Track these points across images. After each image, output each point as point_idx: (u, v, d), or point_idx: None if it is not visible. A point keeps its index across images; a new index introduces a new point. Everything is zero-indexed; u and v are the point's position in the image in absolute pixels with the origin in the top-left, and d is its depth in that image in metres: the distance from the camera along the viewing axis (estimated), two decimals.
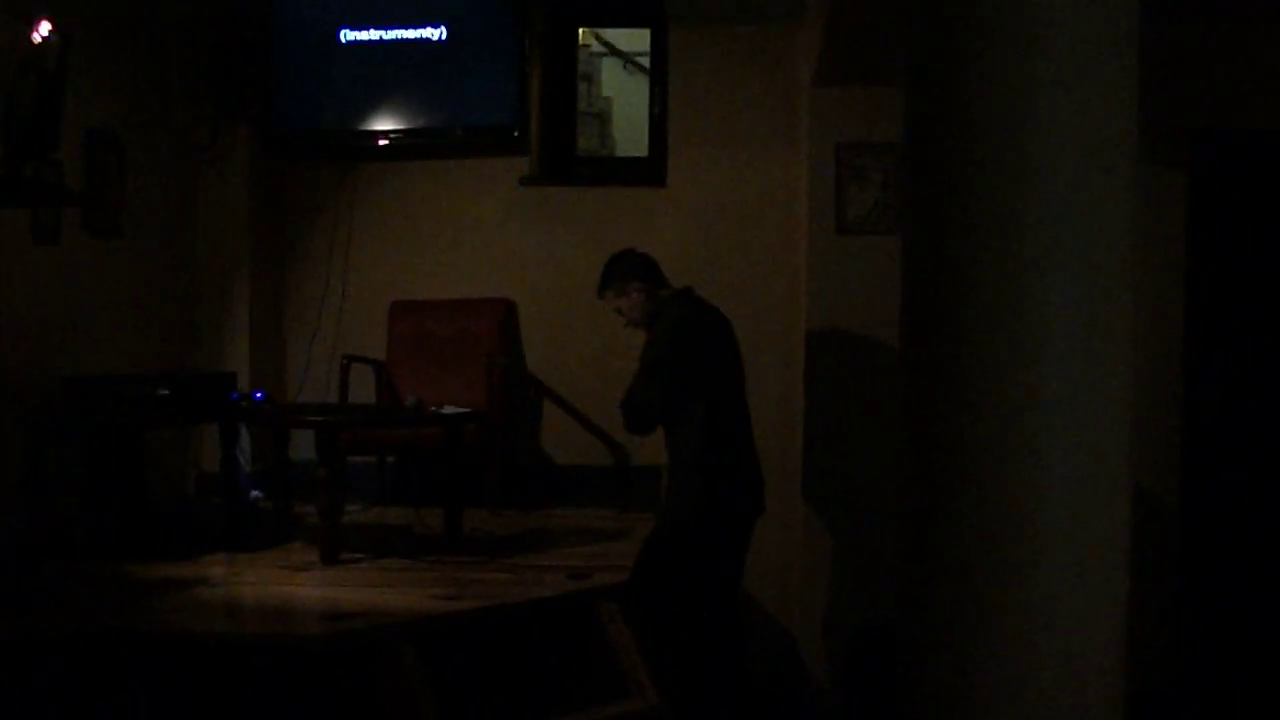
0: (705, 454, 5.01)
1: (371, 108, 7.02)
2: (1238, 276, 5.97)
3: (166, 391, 5.45)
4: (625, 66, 8.71)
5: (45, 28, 4.41)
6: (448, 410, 5.59)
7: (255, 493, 6.21)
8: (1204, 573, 5.91)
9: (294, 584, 4.93)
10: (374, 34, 6.97)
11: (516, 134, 6.96)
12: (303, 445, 6.07)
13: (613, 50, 8.63)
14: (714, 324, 5.18)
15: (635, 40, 8.12)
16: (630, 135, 8.00)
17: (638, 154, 7.34)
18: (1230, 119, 5.95)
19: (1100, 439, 2.85)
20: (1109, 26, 2.84)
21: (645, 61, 7.60)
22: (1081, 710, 2.86)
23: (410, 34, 6.95)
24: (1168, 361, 5.86)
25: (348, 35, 6.98)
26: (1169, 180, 5.85)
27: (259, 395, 6.06)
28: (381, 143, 7.04)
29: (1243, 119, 5.95)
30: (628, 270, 5.20)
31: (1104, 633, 2.90)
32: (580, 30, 7.58)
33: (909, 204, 3.11)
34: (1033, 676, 2.85)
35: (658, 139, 7.08)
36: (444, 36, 6.93)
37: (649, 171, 7.08)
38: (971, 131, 2.86)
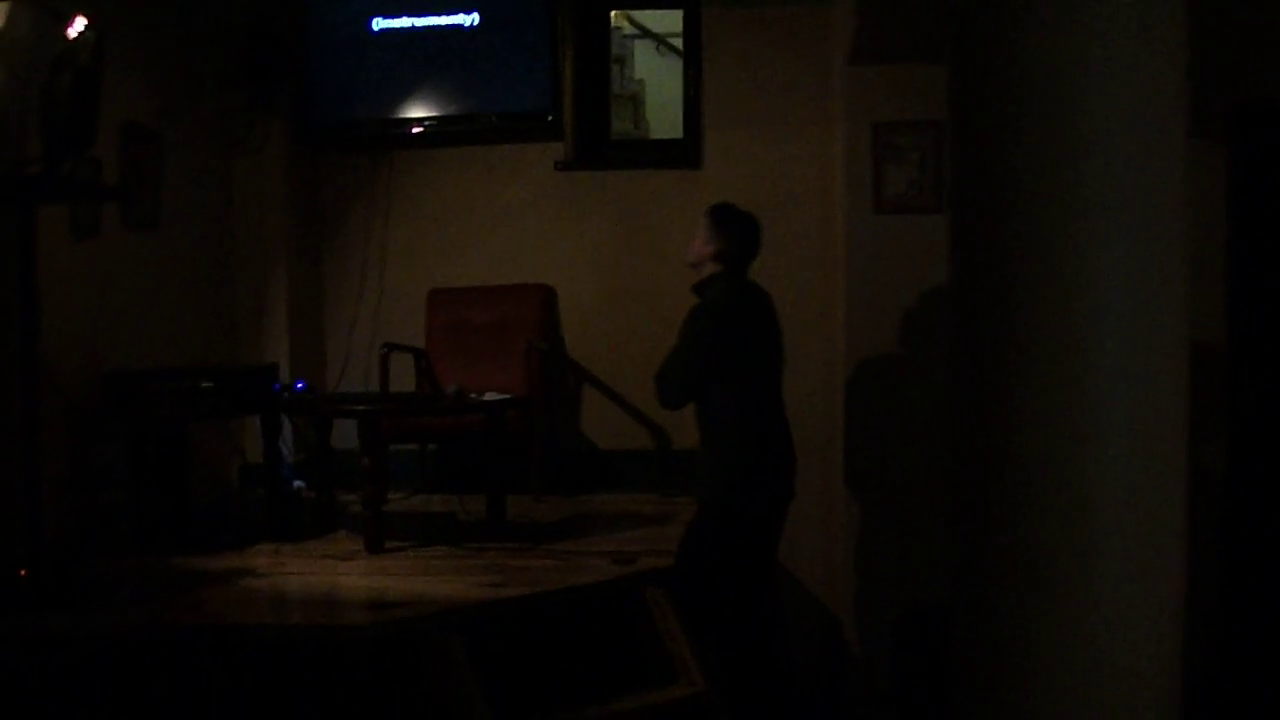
0: (735, 437, 5.02)
1: (405, 96, 7.01)
2: None
3: (209, 384, 5.45)
4: (658, 48, 8.71)
5: (80, 23, 4.41)
6: (489, 397, 5.58)
7: (298, 483, 6.23)
8: (1248, 554, 5.86)
9: (339, 574, 4.94)
10: (406, 21, 6.96)
11: (550, 119, 6.92)
12: (344, 434, 6.09)
13: (645, 32, 8.62)
14: (757, 305, 5.17)
15: (668, 22, 8.11)
16: (664, 118, 7.99)
17: (672, 136, 7.31)
18: (1272, 90, 5.88)
19: (1156, 417, 2.82)
20: None
21: (678, 43, 7.57)
22: (1139, 691, 2.84)
23: (442, 20, 6.92)
24: (1211, 339, 5.80)
25: (380, 24, 6.97)
26: (1210, 154, 5.78)
27: (300, 385, 6.06)
28: (415, 130, 7.03)
29: None
30: (730, 231, 5.20)
31: (1161, 611, 2.87)
32: (612, 13, 7.56)
33: (955, 183, 3.07)
34: (1088, 656, 2.82)
35: (692, 121, 7.06)
36: (476, 22, 6.90)
37: (684, 154, 7.05)
38: (1019, 107, 2.83)
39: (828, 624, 6.57)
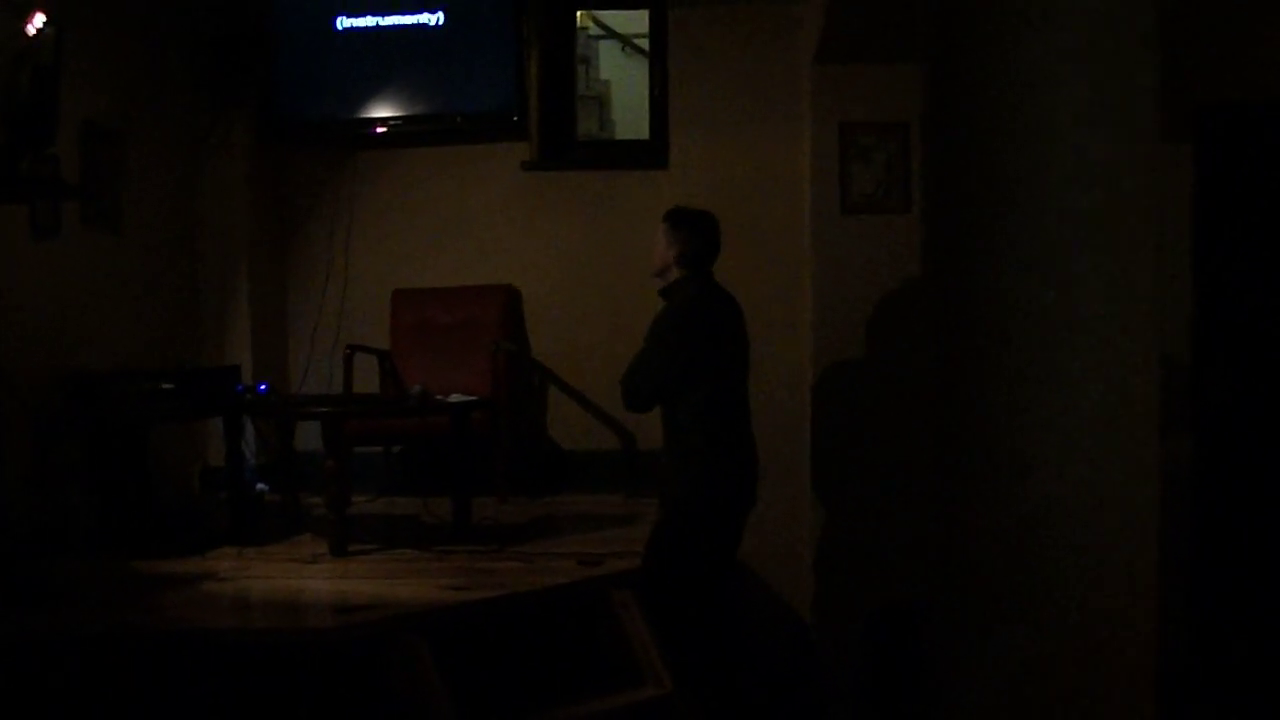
0: (701, 442, 4.97)
1: (370, 95, 6.97)
2: (1246, 254, 5.93)
3: (171, 386, 5.41)
4: (623, 49, 8.68)
5: (39, 19, 4.36)
6: (454, 398, 5.55)
7: (261, 485, 6.18)
8: (1213, 554, 5.88)
9: (303, 577, 4.90)
10: (371, 20, 6.92)
11: (516, 119, 6.91)
12: (308, 436, 6.03)
13: (611, 33, 8.59)
14: (724, 310, 5.13)
15: (633, 22, 8.07)
16: (630, 118, 7.96)
17: (638, 137, 7.29)
18: (1237, 92, 5.90)
19: (1127, 418, 2.84)
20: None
21: (643, 43, 7.55)
22: (1114, 685, 2.85)
23: (407, 19, 6.89)
24: (1175, 339, 5.82)
25: (344, 22, 6.93)
26: (1175, 156, 5.79)
27: (263, 387, 6.01)
28: (380, 130, 6.99)
29: (1250, 92, 5.90)
30: (689, 232, 5.11)
31: (1134, 607, 2.89)
32: (578, 13, 7.53)
33: (930, 185, 3.09)
34: (1067, 647, 2.84)
35: (658, 121, 7.05)
36: (441, 21, 6.87)
37: (650, 154, 7.04)
38: (994, 109, 2.83)
39: (795, 625, 6.56)
